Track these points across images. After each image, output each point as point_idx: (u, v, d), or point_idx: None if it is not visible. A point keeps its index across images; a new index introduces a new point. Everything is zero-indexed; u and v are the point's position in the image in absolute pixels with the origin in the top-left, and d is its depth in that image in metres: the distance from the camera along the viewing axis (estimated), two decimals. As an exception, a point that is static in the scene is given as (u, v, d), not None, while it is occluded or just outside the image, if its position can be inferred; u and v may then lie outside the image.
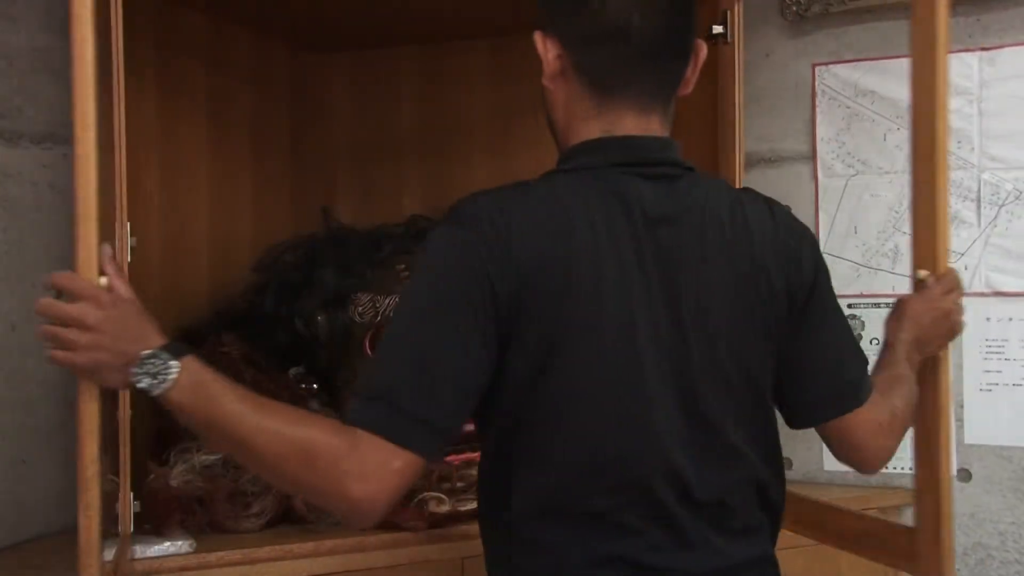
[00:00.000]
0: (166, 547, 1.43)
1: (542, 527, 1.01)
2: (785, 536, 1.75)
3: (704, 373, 1.02)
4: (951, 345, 1.28)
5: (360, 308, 1.83)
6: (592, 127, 1.05)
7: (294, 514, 1.59)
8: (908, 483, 1.93)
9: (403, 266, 1.90)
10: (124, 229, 1.21)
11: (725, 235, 1.05)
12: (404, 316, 1.00)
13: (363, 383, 0.97)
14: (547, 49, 1.06)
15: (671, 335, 1.01)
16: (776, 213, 1.10)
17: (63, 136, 1.71)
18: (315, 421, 0.96)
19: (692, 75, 1.09)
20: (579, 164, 1.05)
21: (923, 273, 1.28)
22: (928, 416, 1.28)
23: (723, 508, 1.05)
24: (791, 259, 1.09)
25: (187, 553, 1.43)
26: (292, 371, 1.87)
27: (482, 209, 0.99)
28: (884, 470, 1.91)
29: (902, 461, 1.94)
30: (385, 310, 1.81)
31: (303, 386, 1.84)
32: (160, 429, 1.75)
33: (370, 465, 0.92)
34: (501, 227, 0.96)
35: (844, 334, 1.16)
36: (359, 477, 0.91)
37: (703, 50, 1.09)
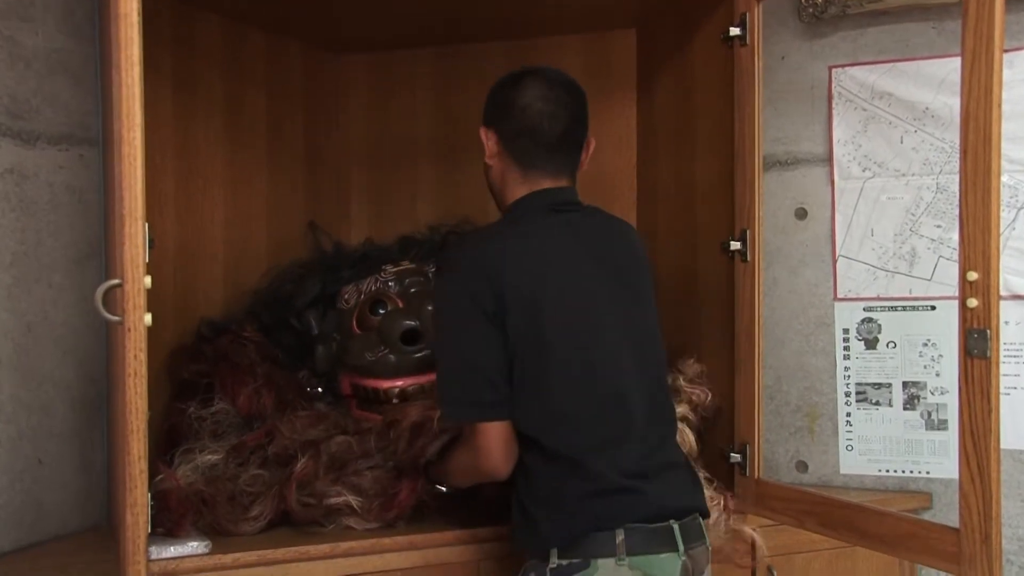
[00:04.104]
0: (183, 548, 1.43)
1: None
2: (802, 539, 1.76)
3: (637, 327, 1.50)
4: (985, 348, 1.27)
5: (346, 296, 1.95)
6: (521, 189, 1.53)
7: (292, 516, 1.59)
8: (924, 486, 1.94)
9: (390, 265, 1.98)
10: (142, 229, 1.21)
11: (622, 239, 1.57)
12: (450, 341, 1.46)
13: (449, 395, 1.45)
14: (488, 138, 1.55)
15: (618, 302, 1.48)
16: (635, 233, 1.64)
17: (80, 137, 1.72)
18: (453, 452, 1.57)
19: (585, 158, 1.59)
20: (523, 211, 1.52)
21: (973, 275, 1.27)
22: (977, 416, 1.28)
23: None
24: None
25: (203, 554, 1.43)
26: (301, 374, 1.94)
27: (477, 258, 1.46)
28: (902, 474, 1.92)
29: (919, 465, 1.95)
30: (366, 289, 1.93)
31: (309, 388, 1.93)
32: (170, 428, 1.75)
33: (493, 445, 1.42)
34: (491, 266, 1.42)
35: None
36: (490, 459, 1.43)
37: (592, 143, 1.59)
